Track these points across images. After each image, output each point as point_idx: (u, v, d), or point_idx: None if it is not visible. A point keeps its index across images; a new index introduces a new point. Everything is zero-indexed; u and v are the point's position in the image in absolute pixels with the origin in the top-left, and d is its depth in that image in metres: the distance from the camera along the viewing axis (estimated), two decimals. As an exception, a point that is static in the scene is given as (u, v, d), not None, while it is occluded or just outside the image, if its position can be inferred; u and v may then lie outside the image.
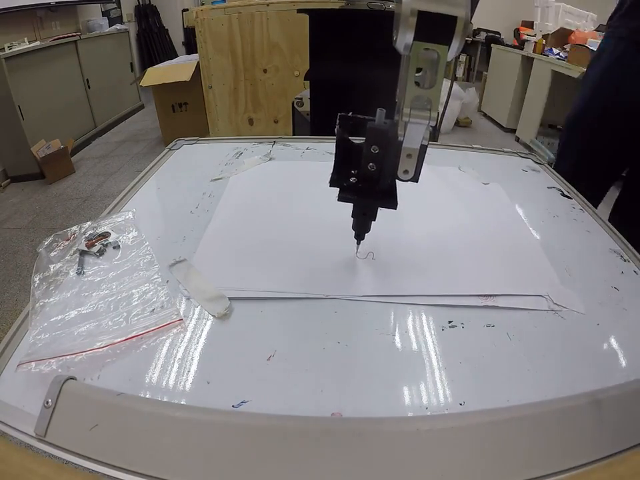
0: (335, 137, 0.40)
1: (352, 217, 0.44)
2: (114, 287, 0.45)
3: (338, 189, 0.41)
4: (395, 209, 0.40)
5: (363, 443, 0.30)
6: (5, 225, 2.17)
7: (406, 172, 0.36)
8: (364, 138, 0.38)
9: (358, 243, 0.47)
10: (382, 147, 0.37)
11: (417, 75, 0.31)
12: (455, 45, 0.29)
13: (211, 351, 0.38)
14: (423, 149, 0.35)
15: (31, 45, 2.65)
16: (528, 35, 3.45)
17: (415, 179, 0.37)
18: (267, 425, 0.32)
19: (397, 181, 0.39)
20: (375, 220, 0.43)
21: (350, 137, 0.40)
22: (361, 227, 0.45)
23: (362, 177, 0.40)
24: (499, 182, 0.69)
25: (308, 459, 0.30)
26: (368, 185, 0.40)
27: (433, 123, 0.31)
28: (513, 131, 3.22)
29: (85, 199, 2.40)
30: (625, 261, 0.52)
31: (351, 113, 0.40)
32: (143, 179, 0.70)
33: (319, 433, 0.31)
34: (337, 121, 0.39)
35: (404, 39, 0.29)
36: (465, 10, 0.28)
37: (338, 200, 0.40)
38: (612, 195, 1.04)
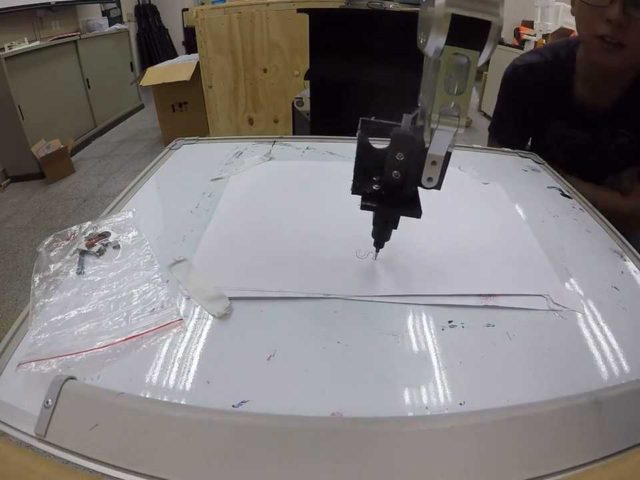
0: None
1: (373, 224, 0.43)
2: (114, 286, 0.45)
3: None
4: (419, 217, 0.39)
5: (363, 442, 0.30)
6: (5, 225, 2.17)
7: (430, 179, 0.35)
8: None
9: (377, 251, 0.46)
10: (407, 154, 0.35)
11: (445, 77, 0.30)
12: (487, 50, 0.28)
13: (211, 350, 0.38)
14: (448, 156, 0.34)
15: (30, 45, 2.65)
16: (528, 35, 3.44)
17: (438, 186, 0.36)
18: (267, 424, 0.32)
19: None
20: (396, 228, 0.42)
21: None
22: (382, 235, 0.44)
23: (385, 184, 0.38)
24: (499, 182, 0.69)
25: (308, 458, 0.30)
26: (391, 193, 0.38)
27: (461, 130, 0.30)
28: (513, 130, 3.22)
29: (85, 199, 2.40)
30: (625, 260, 0.52)
31: (373, 118, 0.39)
32: (142, 178, 0.70)
33: (319, 433, 0.31)
34: (359, 126, 0.38)
35: (435, 42, 0.28)
36: (499, 15, 0.27)
37: (361, 209, 0.39)
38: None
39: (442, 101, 0.30)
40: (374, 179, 0.39)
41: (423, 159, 0.34)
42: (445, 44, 0.28)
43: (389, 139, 0.36)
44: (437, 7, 0.27)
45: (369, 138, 0.39)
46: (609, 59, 0.73)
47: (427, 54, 0.30)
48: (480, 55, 0.28)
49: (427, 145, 0.32)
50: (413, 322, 0.41)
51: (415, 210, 0.39)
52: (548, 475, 0.29)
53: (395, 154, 0.35)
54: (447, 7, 0.26)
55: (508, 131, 0.91)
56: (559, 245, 0.54)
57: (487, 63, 3.60)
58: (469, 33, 0.27)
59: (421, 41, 0.30)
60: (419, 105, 0.35)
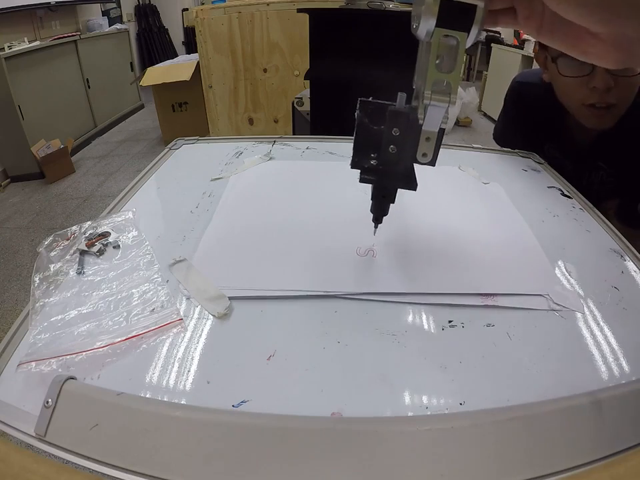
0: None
1: (371, 199, 0.45)
2: (114, 286, 0.45)
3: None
4: (415, 190, 0.41)
5: (362, 442, 0.30)
6: (5, 224, 2.17)
7: (424, 155, 0.38)
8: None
9: (375, 226, 0.48)
10: (402, 129, 0.38)
11: (436, 60, 0.32)
12: (474, 31, 0.31)
13: (211, 350, 0.38)
14: (441, 132, 0.36)
15: (30, 45, 2.65)
16: (528, 35, 3.44)
17: (433, 162, 0.38)
18: (267, 424, 0.32)
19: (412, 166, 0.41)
20: (393, 202, 0.44)
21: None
22: (380, 209, 0.46)
23: (382, 159, 0.41)
24: (499, 182, 0.69)
25: (308, 458, 0.30)
26: (388, 167, 0.41)
27: (452, 106, 0.33)
28: (513, 130, 3.22)
29: (85, 199, 2.40)
30: (625, 260, 0.52)
31: (371, 98, 0.41)
32: (143, 178, 0.70)
33: (319, 433, 0.31)
34: (357, 105, 0.40)
35: (426, 25, 0.30)
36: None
37: (360, 181, 0.41)
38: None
39: (434, 78, 0.32)
40: (372, 155, 0.41)
41: (418, 136, 0.37)
42: (435, 26, 0.30)
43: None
44: None
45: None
46: (602, 122, 0.72)
47: (419, 37, 0.32)
48: (468, 36, 0.31)
49: (420, 122, 0.35)
50: (413, 322, 0.41)
51: (410, 183, 0.41)
52: (548, 474, 0.29)
53: (391, 129, 0.38)
54: None
55: (509, 140, 0.91)
56: (559, 244, 0.54)
57: (487, 62, 3.55)
58: (457, 16, 0.30)
59: (414, 26, 0.32)
60: (414, 87, 0.37)
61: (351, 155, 0.42)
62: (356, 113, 0.40)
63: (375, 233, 0.48)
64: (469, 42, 0.31)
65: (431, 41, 0.31)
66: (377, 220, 0.47)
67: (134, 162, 2.87)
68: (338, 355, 0.38)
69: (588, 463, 0.30)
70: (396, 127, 0.38)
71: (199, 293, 0.44)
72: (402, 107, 0.38)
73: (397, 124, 0.38)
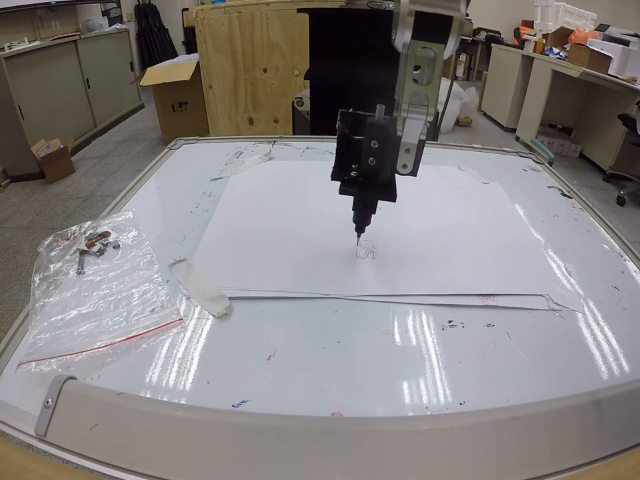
0: (335, 136, 0.40)
1: (352, 209, 0.45)
2: (114, 286, 0.45)
3: (338, 186, 0.42)
4: (394, 201, 0.41)
5: (363, 442, 0.30)
6: (5, 224, 2.17)
7: (405, 166, 0.38)
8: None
9: (358, 236, 0.48)
10: (381, 141, 0.38)
11: (415, 72, 0.32)
12: (451, 43, 0.30)
13: (211, 350, 0.38)
14: (421, 144, 0.36)
15: (30, 45, 2.64)
16: (528, 35, 3.45)
17: (414, 173, 0.38)
18: (267, 424, 0.32)
19: (396, 176, 0.40)
20: (374, 213, 0.44)
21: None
22: (362, 219, 0.46)
23: (362, 171, 0.41)
24: (498, 181, 0.69)
25: (308, 458, 0.30)
26: (368, 179, 0.41)
27: (430, 119, 0.33)
28: (513, 130, 3.22)
29: (84, 199, 2.40)
30: (625, 260, 0.52)
31: (351, 109, 0.41)
32: (143, 178, 0.70)
33: (319, 433, 0.31)
34: (338, 117, 0.40)
35: (402, 37, 0.30)
36: (460, 10, 0.29)
37: (339, 193, 0.41)
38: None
39: (411, 91, 0.32)
40: (353, 166, 0.41)
41: (398, 147, 0.36)
42: (411, 38, 0.30)
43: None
44: (402, 4, 0.29)
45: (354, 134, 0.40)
46: None
47: (397, 48, 0.32)
48: (445, 48, 0.30)
49: (399, 134, 0.35)
50: (413, 322, 0.41)
51: (390, 194, 0.41)
52: (548, 474, 0.29)
53: (370, 142, 0.38)
54: (411, 4, 0.29)
55: None
56: (559, 245, 0.54)
57: (487, 62, 3.52)
58: (433, 27, 0.29)
59: (393, 37, 0.32)
60: (395, 97, 0.36)
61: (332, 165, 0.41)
62: (337, 125, 0.40)
63: (358, 242, 0.49)
64: (447, 53, 0.31)
65: (407, 52, 0.31)
66: (360, 229, 0.47)
67: (134, 162, 2.87)
68: (338, 355, 0.38)
69: (588, 463, 0.30)
70: (375, 139, 0.38)
71: (198, 293, 0.44)
72: (380, 119, 0.37)
73: (375, 136, 0.37)
